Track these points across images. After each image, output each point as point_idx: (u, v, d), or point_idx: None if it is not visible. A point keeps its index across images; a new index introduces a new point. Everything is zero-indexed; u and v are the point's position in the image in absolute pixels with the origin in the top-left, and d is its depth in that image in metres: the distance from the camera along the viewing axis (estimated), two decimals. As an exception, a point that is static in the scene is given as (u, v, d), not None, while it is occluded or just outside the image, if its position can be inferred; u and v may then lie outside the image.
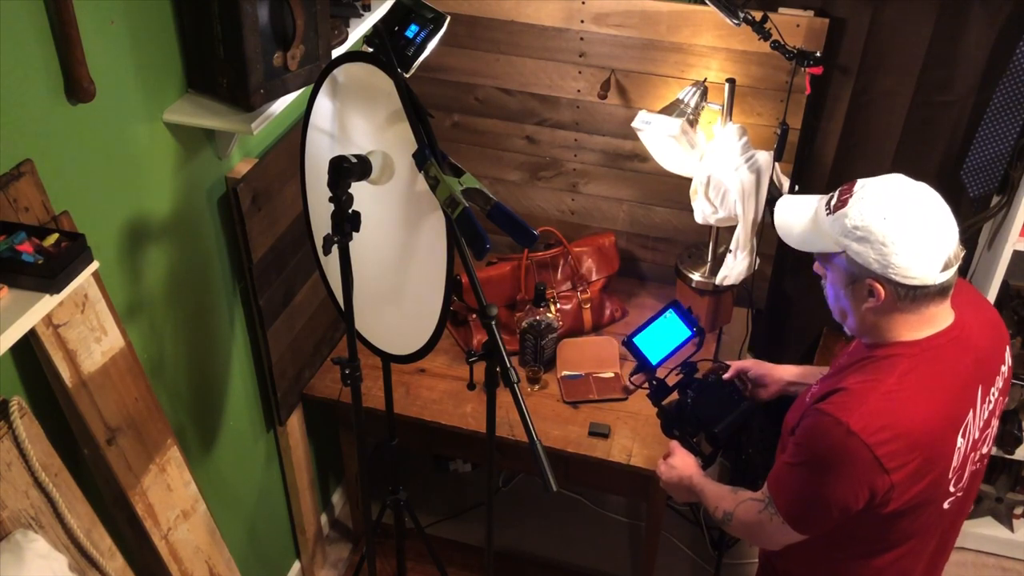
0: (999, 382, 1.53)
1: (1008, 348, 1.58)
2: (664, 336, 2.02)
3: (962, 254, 1.41)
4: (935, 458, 1.42)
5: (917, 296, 1.40)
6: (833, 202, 1.46)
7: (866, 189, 1.43)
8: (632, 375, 2.08)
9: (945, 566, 1.69)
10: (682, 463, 1.82)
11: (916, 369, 1.43)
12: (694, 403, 1.89)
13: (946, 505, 1.51)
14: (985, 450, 1.56)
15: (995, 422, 1.57)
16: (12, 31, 1.32)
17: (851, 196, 1.43)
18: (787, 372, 1.89)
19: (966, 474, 1.51)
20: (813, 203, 1.52)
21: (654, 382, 1.97)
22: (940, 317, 1.45)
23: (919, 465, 1.40)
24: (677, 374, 1.96)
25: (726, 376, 1.93)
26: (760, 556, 1.81)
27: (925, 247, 1.37)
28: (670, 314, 2.01)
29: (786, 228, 1.54)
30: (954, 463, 1.46)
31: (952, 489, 1.50)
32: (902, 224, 1.37)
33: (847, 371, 1.49)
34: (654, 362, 1.99)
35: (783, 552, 1.60)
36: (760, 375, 1.91)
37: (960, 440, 1.45)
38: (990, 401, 1.51)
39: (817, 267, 1.53)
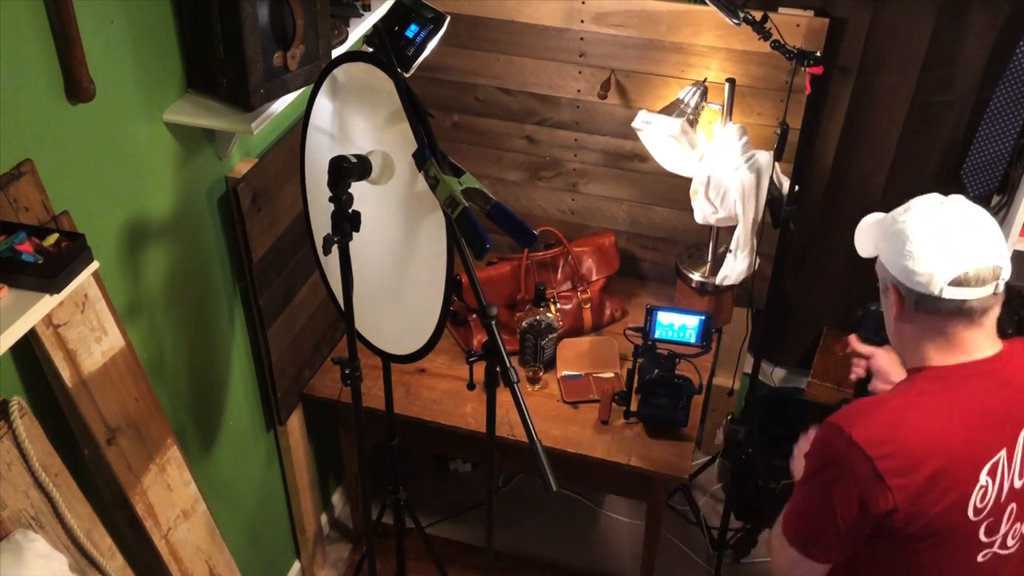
0: None
1: None
2: (679, 327, 2.26)
3: (998, 279, 1.34)
4: (947, 482, 1.34)
5: (930, 309, 1.36)
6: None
7: (920, 200, 1.42)
8: (631, 328, 2.36)
9: None
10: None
11: (934, 391, 1.38)
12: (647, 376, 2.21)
13: (980, 558, 1.41)
14: None
15: None
16: (12, 31, 1.32)
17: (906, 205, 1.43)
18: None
19: (1008, 531, 1.41)
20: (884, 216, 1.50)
21: (642, 345, 2.26)
22: (974, 345, 1.38)
23: (925, 483, 1.33)
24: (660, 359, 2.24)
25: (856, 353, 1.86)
26: None
27: (936, 254, 1.34)
28: (699, 320, 2.25)
29: (857, 239, 1.53)
30: (977, 502, 1.36)
31: (984, 539, 1.40)
32: (921, 226, 1.36)
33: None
34: (654, 335, 2.25)
35: None
36: (883, 370, 1.78)
37: (986, 478, 1.35)
38: None
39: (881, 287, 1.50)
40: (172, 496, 1.80)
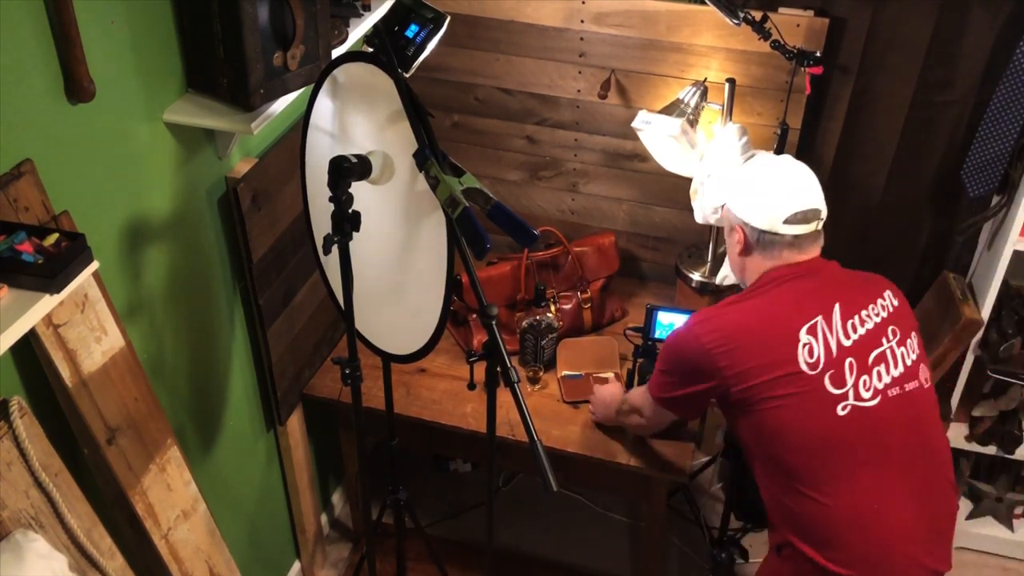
0: (878, 311, 1.75)
1: (889, 294, 1.80)
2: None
3: (819, 219, 1.75)
4: (770, 342, 1.67)
5: (767, 243, 1.76)
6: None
7: (757, 155, 1.97)
8: (631, 329, 2.39)
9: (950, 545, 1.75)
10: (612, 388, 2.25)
11: (758, 287, 1.78)
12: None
13: (840, 411, 1.65)
14: (897, 372, 1.71)
15: (906, 352, 1.74)
16: (12, 31, 1.32)
17: None
18: None
19: (856, 382, 1.67)
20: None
21: (642, 345, 2.28)
22: (791, 260, 1.77)
23: (747, 348, 1.68)
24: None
25: None
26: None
27: (769, 197, 1.75)
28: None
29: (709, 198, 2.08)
30: (807, 356, 1.66)
31: (833, 390, 1.66)
32: (762, 176, 1.79)
33: None
34: (654, 335, 2.25)
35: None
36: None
37: (806, 336, 1.67)
38: (866, 321, 1.73)
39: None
40: (172, 496, 1.80)
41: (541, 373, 2.42)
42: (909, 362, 1.73)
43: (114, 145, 1.59)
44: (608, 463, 2.19)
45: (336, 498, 2.93)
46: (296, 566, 2.71)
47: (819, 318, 1.69)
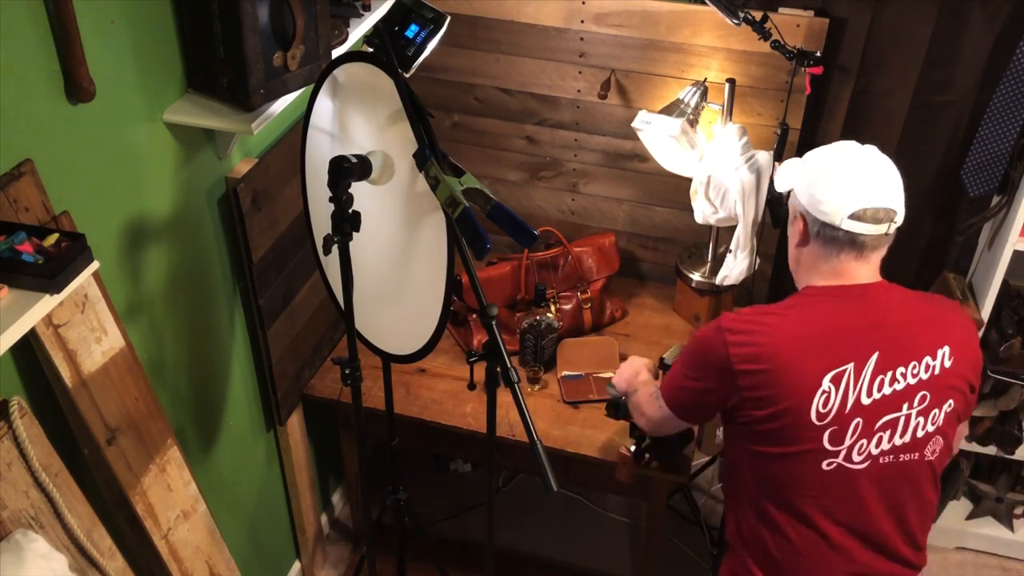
0: (919, 372, 1.58)
1: (946, 352, 1.59)
2: None
3: (891, 221, 1.55)
4: (791, 378, 1.53)
5: (828, 238, 1.58)
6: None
7: (839, 143, 1.66)
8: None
9: None
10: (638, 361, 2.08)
11: (804, 304, 1.62)
12: None
13: (825, 466, 1.56)
14: (902, 441, 1.58)
15: (924, 422, 1.58)
16: (12, 30, 1.32)
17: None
18: None
19: (853, 444, 1.56)
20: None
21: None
22: (855, 275, 1.60)
23: (768, 375, 1.54)
24: None
25: None
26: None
27: (841, 189, 1.55)
28: None
29: (780, 179, 1.73)
30: (820, 406, 1.53)
31: (828, 446, 1.55)
32: (834, 163, 1.59)
33: None
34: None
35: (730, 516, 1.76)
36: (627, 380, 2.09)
37: (829, 384, 1.53)
38: (898, 380, 1.56)
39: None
40: (172, 496, 1.80)
41: (541, 373, 2.42)
42: (921, 433, 1.59)
43: (114, 145, 1.59)
44: (608, 463, 2.19)
45: (336, 498, 2.93)
46: (296, 566, 2.71)
47: (849, 367, 1.54)
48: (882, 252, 1.61)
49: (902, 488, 1.62)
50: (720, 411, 1.66)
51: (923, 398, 1.58)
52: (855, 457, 1.57)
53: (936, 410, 1.59)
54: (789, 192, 1.68)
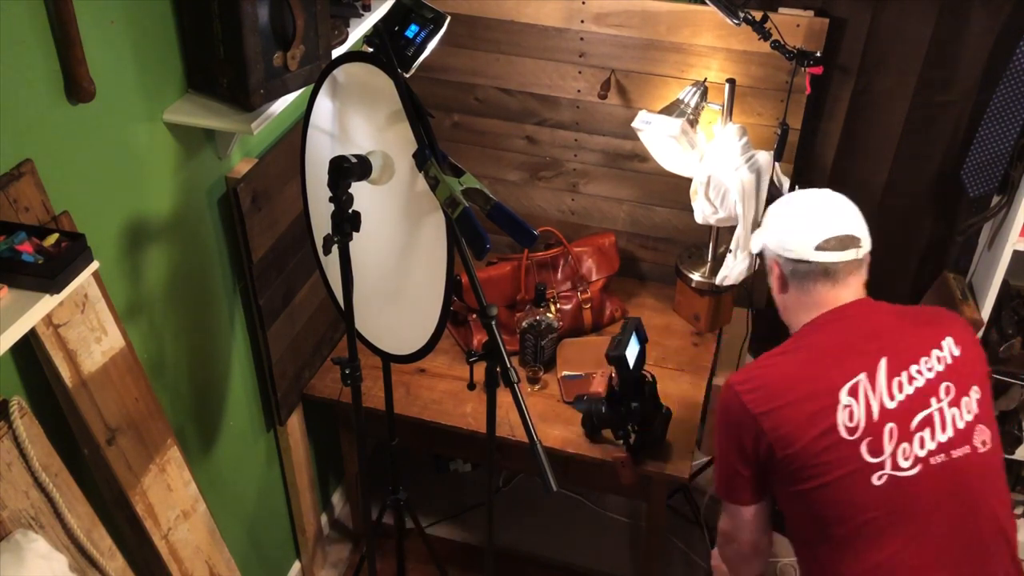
0: (932, 365, 1.59)
1: (950, 342, 1.63)
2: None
3: (857, 247, 1.64)
4: (810, 405, 1.55)
5: (803, 274, 1.66)
6: None
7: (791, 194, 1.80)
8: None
9: None
10: None
11: (800, 340, 1.68)
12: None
13: (876, 480, 1.53)
14: (945, 436, 1.55)
15: (960, 412, 1.58)
16: (12, 30, 1.32)
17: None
18: None
19: (895, 450, 1.54)
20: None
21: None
22: (831, 302, 1.66)
23: (788, 408, 1.56)
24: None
25: None
26: None
27: (800, 225, 1.67)
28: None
29: (753, 243, 1.84)
30: (846, 421, 1.54)
31: (870, 459, 1.53)
32: (790, 208, 1.73)
33: None
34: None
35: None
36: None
37: (848, 398, 1.55)
38: (915, 378, 1.58)
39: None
40: (172, 496, 1.80)
41: (541, 373, 2.42)
42: (962, 424, 1.57)
43: (114, 145, 1.59)
44: (608, 463, 2.19)
45: (336, 498, 2.93)
46: (296, 566, 2.71)
47: (862, 376, 1.56)
48: (860, 277, 1.68)
49: (971, 484, 1.57)
50: (760, 467, 1.63)
51: (948, 389, 1.58)
52: (902, 463, 1.54)
53: (966, 398, 1.59)
54: (761, 252, 1.79)
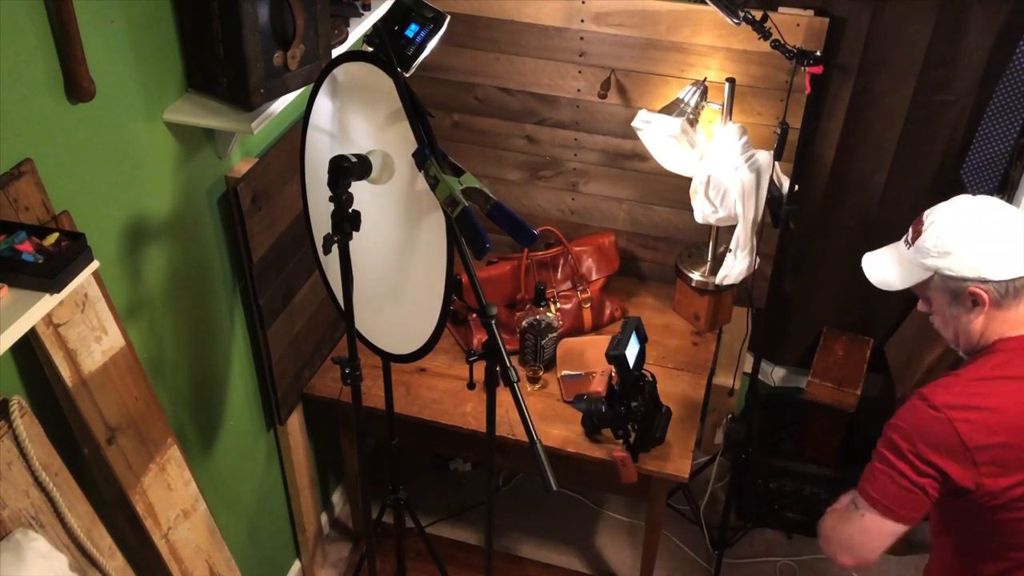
0: None
1: None
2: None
3: None
4: (1021, 439, 1.44)
5: (1018, 291, 1.49)
6: (909, 236, 1.58)
7: (934, 214, 1.55)
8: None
9: None
10: None
11: (1010, 362, 1.50)
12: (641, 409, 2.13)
13: None
14: None
15: None
16: (12, 30, 1.32)
17: (923, 225, 1.54)
18: None
19: None
20: (893, 248, 1.63)
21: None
22: None
23: (1003, 447, 1.43)
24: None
25: None
26: None
27: (1006, 243, 1.48)
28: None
29: (881, 279, 1.62)
30: None
31: None
32: (977, 229, 1.49)
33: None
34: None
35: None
36: None
37: None
38: None
39: (921, 305, 1.62)
40: (172, 496, 1.80)
41: (541, 373, 2.42)
42: None
43: (114, 145, 1.59)
44: (608, 463, 2.19)
45: (336, 498, 2.93)
46: (296, 566, 2.71)
47: None
48: None
49: None
50: (953, 493, 1.51)
51: None
52: None
53: None
54: (924, 282, 1.57)
